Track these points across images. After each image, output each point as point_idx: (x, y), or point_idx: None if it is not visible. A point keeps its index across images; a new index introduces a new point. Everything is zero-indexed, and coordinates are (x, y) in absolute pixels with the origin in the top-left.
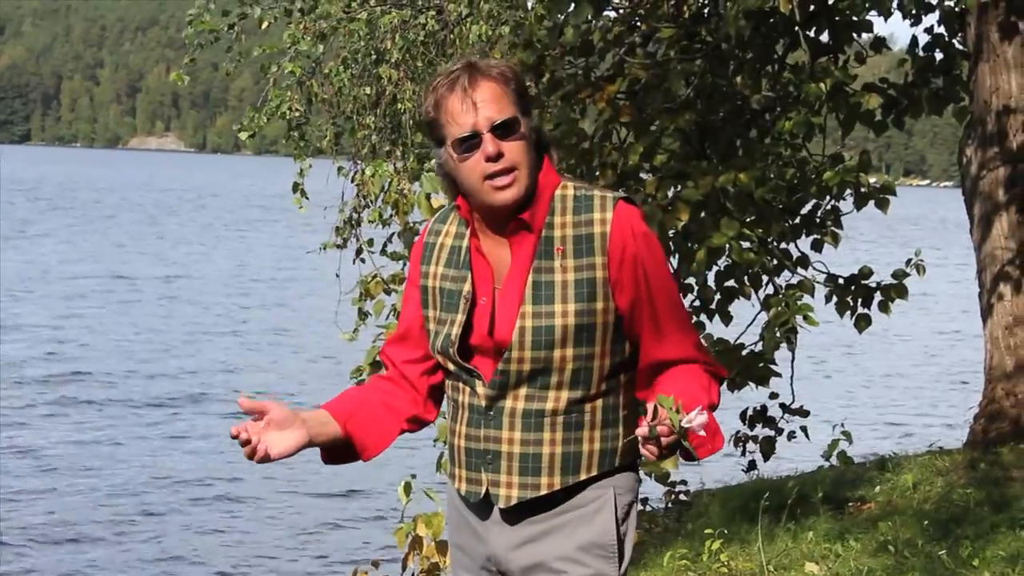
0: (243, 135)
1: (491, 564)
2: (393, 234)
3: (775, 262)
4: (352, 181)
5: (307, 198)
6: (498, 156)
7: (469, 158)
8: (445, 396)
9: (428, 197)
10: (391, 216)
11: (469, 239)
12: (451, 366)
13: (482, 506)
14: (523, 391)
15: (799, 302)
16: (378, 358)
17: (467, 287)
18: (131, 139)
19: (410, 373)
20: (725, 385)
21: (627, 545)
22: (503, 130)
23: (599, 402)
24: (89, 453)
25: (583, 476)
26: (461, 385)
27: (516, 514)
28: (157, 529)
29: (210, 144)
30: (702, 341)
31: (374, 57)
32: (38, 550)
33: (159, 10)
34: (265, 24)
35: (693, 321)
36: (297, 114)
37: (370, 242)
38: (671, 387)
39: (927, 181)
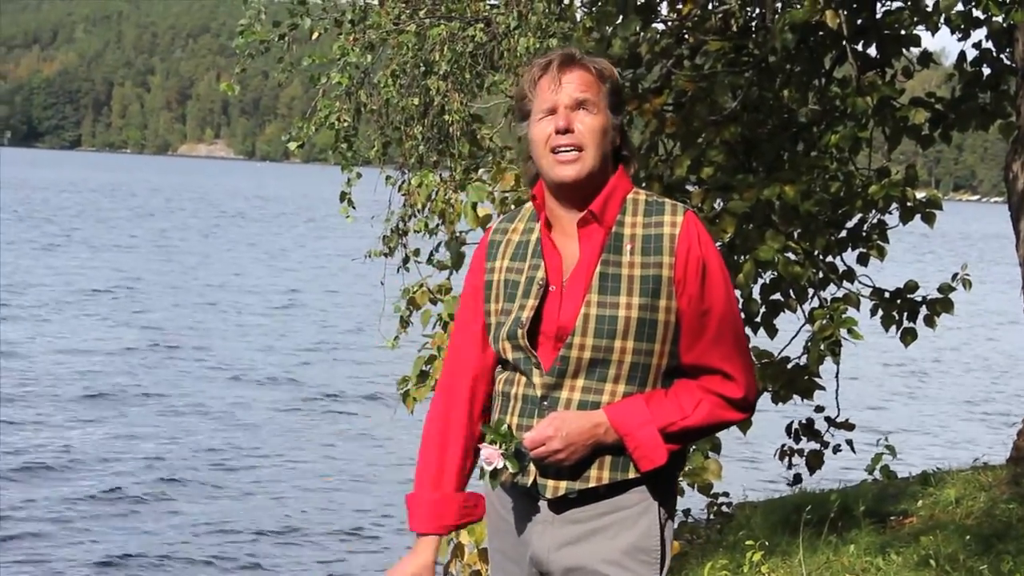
0: (292, 145)
1: (533, 566)
2: (439, 243)
3: (821, 275)
4: (399, 191)
5: (354, 208)
6: (567, 130)
7: (544, 128)
8: (494, 396)
9: (474, 206)
10: (437, 225)
11: (540, 231)
12: (512, 354)
13: (527, 502)
14: (580, 382)
15: (844, 315)
16: (425, 369)
17: (540, 273)
18: (180, 146)
19: (472, 388)
20: (769, 398)
21: (667, 550)
22: (581, 110)
23: None
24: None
25: (631, 475)
26: (516, 376)
27: (561, 508)
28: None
29: (259, 152)
30: (738, 352)
31: (423, 69)
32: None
33: (210, 18)
34: (316, 34)
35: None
36: (345, 124)
37: (416, 252)
38: (652, 398)
39: (977, 196)
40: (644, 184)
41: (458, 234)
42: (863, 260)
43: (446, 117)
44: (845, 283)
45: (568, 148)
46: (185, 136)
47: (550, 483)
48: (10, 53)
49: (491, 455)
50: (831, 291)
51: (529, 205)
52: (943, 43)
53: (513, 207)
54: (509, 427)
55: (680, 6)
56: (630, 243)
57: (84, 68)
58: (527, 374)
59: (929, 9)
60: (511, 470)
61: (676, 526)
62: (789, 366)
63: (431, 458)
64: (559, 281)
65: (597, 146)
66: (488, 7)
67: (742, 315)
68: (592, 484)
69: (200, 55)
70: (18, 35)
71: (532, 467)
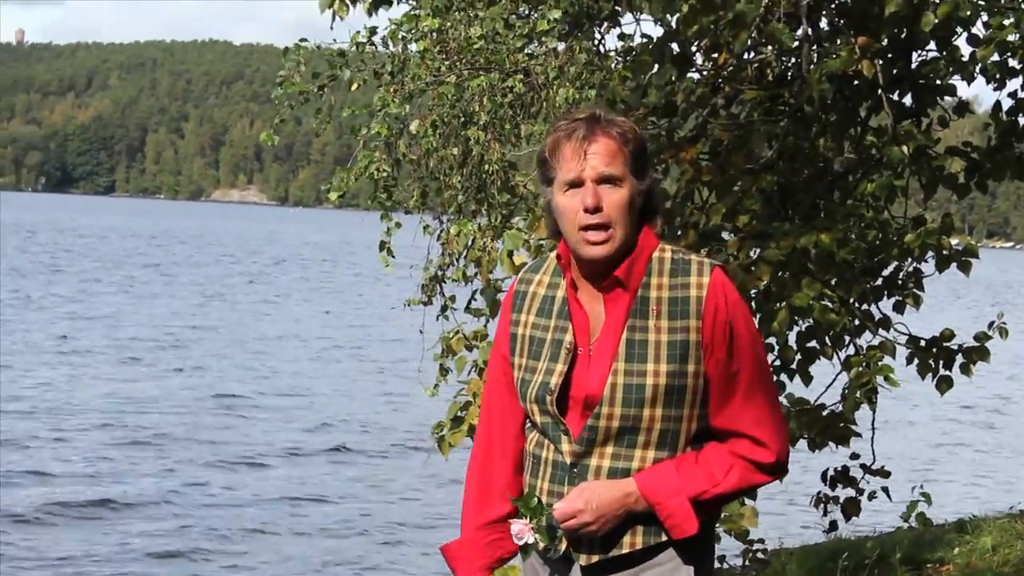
0: (332, 195)
1: None
2: (476, 291)
3: (856, 323)
4: (437, 239)
5: (393, 256)
6: (596, 209)
7: (570, 204)
8: (526, 453)
9: (510, 254)
10: (475, 274)
11: (566, 289)
12: (540, 417)
13: (563, 566)
14: (609, 449)
15: (880, 363)
16: (460, 415)
17: (569, 337)
18: (214, 191)
19: (509, 440)
20: (806, 444)
21: None
22: (607, 184)
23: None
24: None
25: (664, 537)
26: (546, 440)
27: (597, 572)
28: None
29: (292, 197)
30: (769, 416)
31: (462, 119)
32: None
33: (244, 64)
34: (355, 86)
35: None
36: (384, 174)
37: (452, 299)
38: (682, 465)
39: (1011, 243)
40: (680, 232)
41: (494, 281)
42: (899, 308)
43: (485, 167)
44: (881, 331)
45: (597, 227)
46: (218, 182)
47: (583, 554)
48: (45, 100)
49: (521, 530)
50: (867, 338)
51: (552, 256)
52: (977, 90)
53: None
54: (539, 500)
55: (716, 56)
56: (656, 307)
57: (118, 114)
58: (555, 440)
59: (965, 59)
60: (542, 544)
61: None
62: (825, 413)
63: (471, 510)
64: (586, 344)
65: (625, 221)
66: (527, 58)
67: (778, 362)
68: (626, 550)
69: (233, 102)
70: (53, 82)
71: (563, 537)
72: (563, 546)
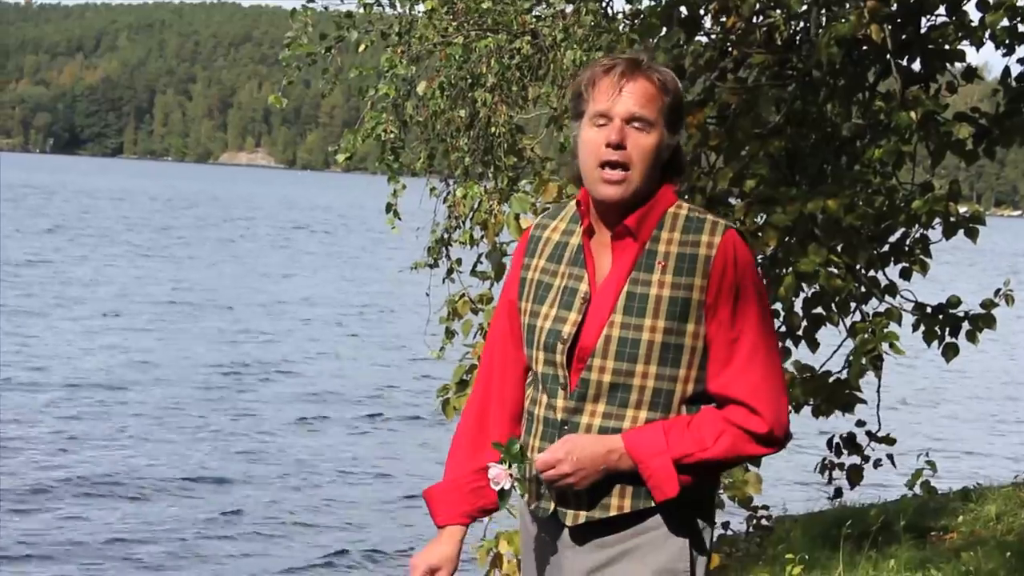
0: (340, 157)
1: None
2: (481, 254)
3: (863, 289)
4: (444, 202)
5: (400, 219)
6: (619, 145)
7: (594, 137)
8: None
9: (516, 218)
10: (481, 236)
11: (581, 236)
12: (541, 367)
13: (553, 527)
14: (601, 407)
15: (886, 330)
16: (465, 378)
17: (584, 286)
18: (222, 154)
19: (508, 387)
20: (809, 411)
21: (699, 570)
22: (636, 124)
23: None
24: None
25: (653, 503)
26: (539, 395)
27: (584, 534)
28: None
29: (300, 160)
30: (768, 385)
31: (469, 81)
32: None
33: (252, 27)
34: (362, 47)
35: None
36: (392, 136)
37: (458, 262)
38: (672, 427)
39: (1019, 212)
40: (687, 197)
41: (500, 244)
42: (905, 275)
43: (492, 129)
44: (887, 297)
45: (615, 165)
46: (226, 144)
47: (569, 512)
48: (54, 61)
49: (499, 474)
50: (873, 305)
51: (572, 204)
52: (986, 57)
53: None
54: (522, 448)
55: (724, 19)
56: (663, 261)
57: (127, 76)
58: (551, 394)
59: (974, 24)
60: (518, 492)
61: (716, 539)
62: (830, 380)
63: (460, 454)
64: (593, 296)
65: (645, 167)
66: (535, 19)
67: (783, 328)
68: (612, 513)
69: (242, 64)
70: (62, 43)
71: (548, 494)
72: (551, 506)
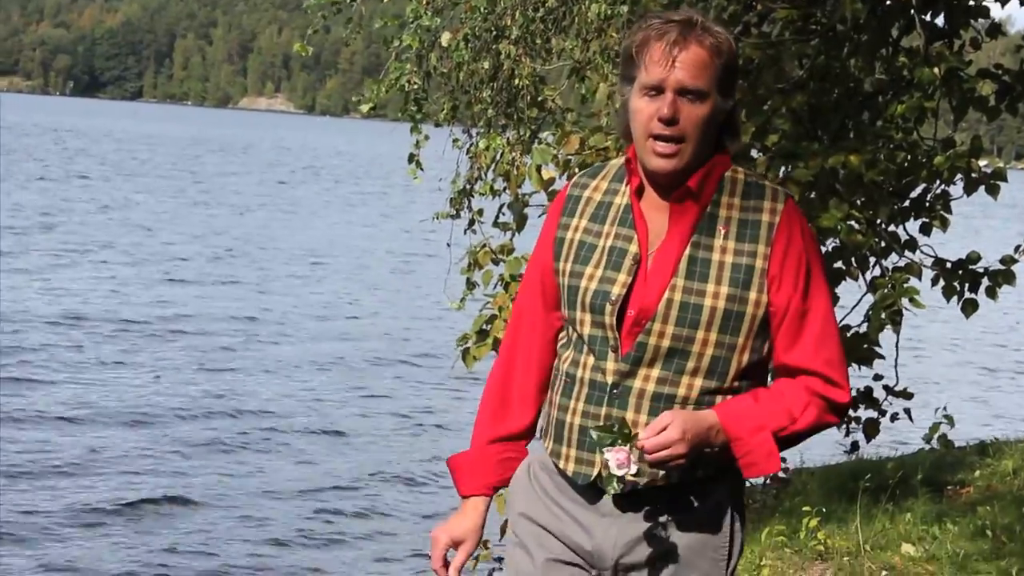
0: (364, 107)
1: (592, 558)
2: (503, 205)
3: (883, 244)
4: (467, 153)
5: (422, 169)
6: (672, 120)
7: (647, 109)
8: (556, 367)
9: (539, 169)
10: (503, 188)
11: (630, 196)
12: (588, 329)
13: (590, 492)
14: (656, 372)
15: (906, 285)
16: (485, 328)
17: (634, 247)
18: (241, 99)
19: (537, 353)
20: None
21: (736, 544)
22: (689, 96)
23: (730, 397)
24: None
25: (701, 473)
26: (583, 357)
27: (628, 503)
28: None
29: (319, 106)
30: (839, 356)
31: (494, 33)
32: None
33: None
34: None
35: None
36: (415, 87)
37: (480, 212)
38: (760, 399)
39: None
40: None
41: (522, 196)
42: (926, 230)
43: (515, 81)
44: (907, 253)
45: (669, 139)
46: (246, 90)
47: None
48: (74, 3)
49: (623, 459)
50: (893, 260)
51: (615, 162)
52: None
53: (577, 171)
54: (629, 426)
55: None
56: (724, 227)
57: (147, 20)
58: (600, 356)
59: None
60: (634, 475)
61: None
62: (849, 334)
63: (485, 422)
64: (644, 256)
65: (700, 139)
66: None
67: None
68: (661, 482)
69: (262, 8)
70: None
71: (598, 458)
72: (595, 470)
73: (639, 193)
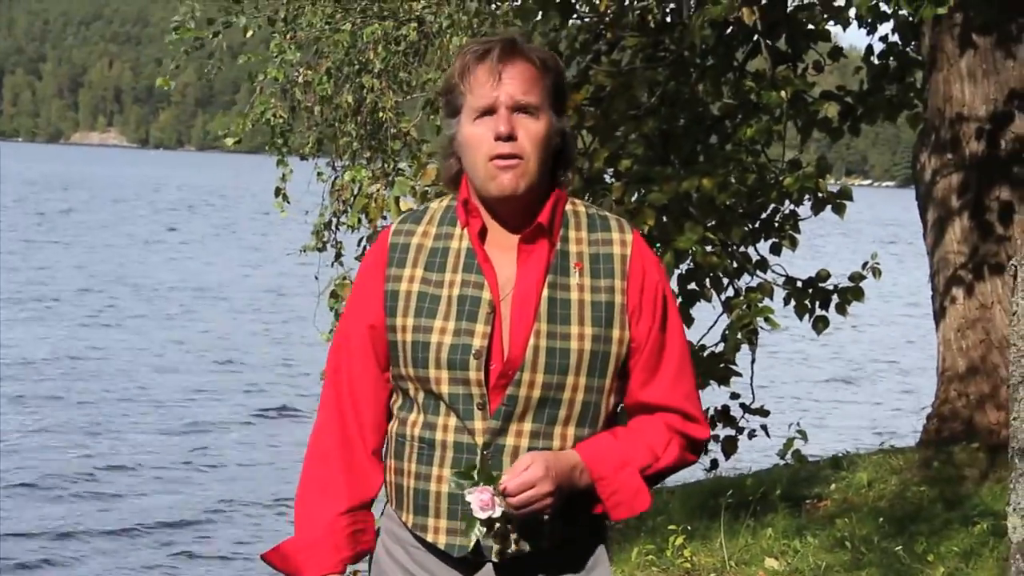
0: (229, 140)
1: None
2: (362, 238)
3: (736, 265)
4: (332, 187)
5: (288, 202)
6: (510, 137)
7: (480, 134)
8: (396, 432)
9: (397, 201)
10: (362, 219)
11: (471, 239)
12: (447, 387)
13: (461, 563)
14: (527, 426)
15: (760, 304)
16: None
17: (487, 294)
18: (73, 134)
19: (371, 417)
20: None
21: None
22: (523, 113)
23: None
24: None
25: (579, 525)
26: (441, 419)
27: (513, 569)
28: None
29: (153, 139)
30: (695, 391)
31: (357, 67)
32: None
33: (102, 4)
34: (250, 32)
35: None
36: (281, 120)
37: (341, 245)
38: (620, 437)
39: (869, 181)
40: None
41: (380, 228)
42: (776, 250)
43: (379, 114)
44: (759, 272)
45: (509, 155)
46: (78, 124)
47: (495, 545)
48: None
49: (487, 500)
50: (746, 280)
51: (436, 206)
52: (850, 40)
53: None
54: (487, 467)
55: (598, 2)
56: (578, 262)
57: None
58: (464, 415)
59: (840, 4)
60: (498, 522)
61: None
62: (705, 354)
63: (330, 492)
64: (497, 304)
65: (540, 158)
66: (421, 7)
67: None
68: (545, 544)
69: (92, 42)
70: None
71: (472, 528)
72: (472, 539)
73: (482, 236)
